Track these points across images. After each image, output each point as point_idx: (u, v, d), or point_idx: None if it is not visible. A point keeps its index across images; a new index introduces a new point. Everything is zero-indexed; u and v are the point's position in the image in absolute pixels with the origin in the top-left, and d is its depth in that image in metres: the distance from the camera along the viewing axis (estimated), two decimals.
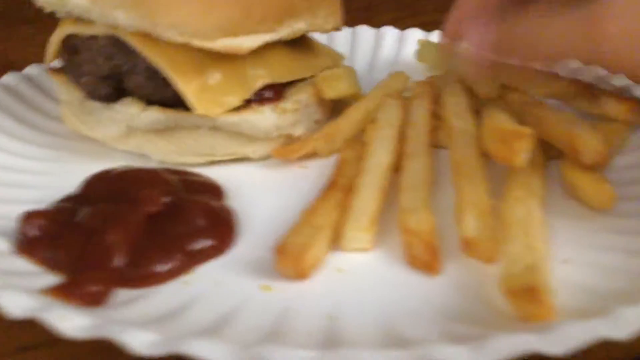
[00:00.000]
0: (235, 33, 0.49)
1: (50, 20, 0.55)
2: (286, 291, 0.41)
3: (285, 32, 0.52)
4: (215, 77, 0.52)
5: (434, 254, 0.42)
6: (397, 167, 0.50)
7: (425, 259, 0.42)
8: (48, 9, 0.53)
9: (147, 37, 0.50)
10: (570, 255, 0.42)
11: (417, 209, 0.44)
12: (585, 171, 0.45)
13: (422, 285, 0.41)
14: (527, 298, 0.35)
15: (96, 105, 0.55)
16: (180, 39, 0.48)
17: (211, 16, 0.48)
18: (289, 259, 0.41)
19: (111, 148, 0.57)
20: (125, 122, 0.54)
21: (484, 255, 0.41)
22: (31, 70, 0.67)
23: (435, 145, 0.55)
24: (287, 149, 0.56)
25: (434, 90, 0.58)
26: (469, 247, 0.41)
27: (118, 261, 0.40)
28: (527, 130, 0.44)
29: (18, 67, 0.66)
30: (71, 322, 0.33)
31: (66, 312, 0.34)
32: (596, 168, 0.46)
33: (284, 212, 0.47)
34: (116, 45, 0.52)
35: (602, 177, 0.46)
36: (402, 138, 0.53)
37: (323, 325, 0.37)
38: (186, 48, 0.51)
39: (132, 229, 0.42)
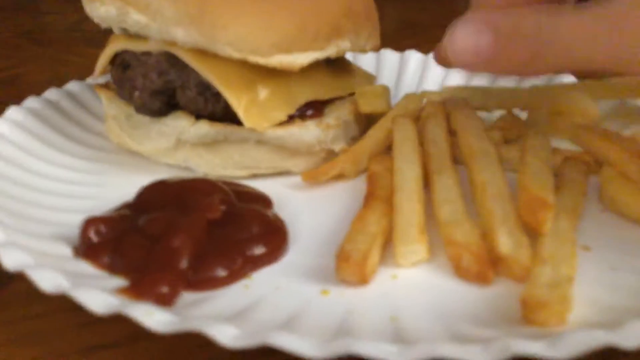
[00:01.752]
0: (289, 50, 0.51)
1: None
2: (345, 295, 0.42)
3: (332, 50, 0.55)
4: (263, 93, 0.55)
5: (485, 264, 0.43)
6: (425, 184, 0.52)
7: (476, 270, 0.43)
8: (104, 25, 0.55)
9: (201, 53, 0.52)
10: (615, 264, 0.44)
11: (459, 221, 0.46)
12: (627, 183, 0.47)
13: (474, 293, 0.42)
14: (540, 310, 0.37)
15: (145, 119, 0.57)
16: (237, 55, 0.50)
17: (268, 33, 0.50)
18: (352, 265, 0.42)
19: (154, 162, 0.58)
20: (175, 135, 0.56)
21: (517, 274, 0.42)
22: (72, 86, 0.68)
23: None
24: (315, 172, 0.57)
25: (446, 109, 0.60)
26: (502, 264, 0.43)
27: (183, 264, 0.42)
28: (549, 198, 0.45)
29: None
30: (157, 317, 0.34)
31: (151, 308, 0.35)
32: None
33: (326, 222, 0.50)
34: (169, 61, 0.54)
35: None
36: (424, 155, 0.55)
37: (388, 325, 0.38)
38: (237, 64, 0.53)
39: (194, 234, 0.43)
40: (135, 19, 0.51)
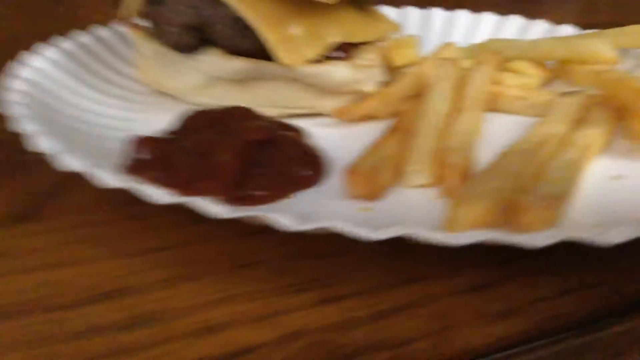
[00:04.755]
0: None
1: None
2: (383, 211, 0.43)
3: None
4: (296, 30, 0.55)
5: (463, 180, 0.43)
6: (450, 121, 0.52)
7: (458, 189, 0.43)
8: None
9: None
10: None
11: (460, 149, 0.46)
12: None
13: None
14: None
15: (177, 56, 0.57)
16: None
17: None
18: (360, 179, 0.43)
19: (183, 101, 0.59)
20: (208, 71, 0.56)
21: None
22: (99, 31, 0.69)
23: (491, 109, 0.58)
24: (345, 109, 0.59)
25: (499, 59, 0.61)
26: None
27: (229, 178, 0.42)
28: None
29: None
30: (217, 207, 0.35)
31: (209, 202, 0.36)
32: None
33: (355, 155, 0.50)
34: None
35: None
36: (458, 97, 0.55)
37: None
38: (271, 1, 0.53)
39: (239, 152, 0.44)
40: None
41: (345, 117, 0.58)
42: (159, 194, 0.37)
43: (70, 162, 0.41)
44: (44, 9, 0.98)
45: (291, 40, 0.55)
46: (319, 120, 0.58)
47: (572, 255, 0.38)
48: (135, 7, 0.60)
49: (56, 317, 0.34)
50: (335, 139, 0.55)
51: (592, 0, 1.32)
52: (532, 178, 0.41)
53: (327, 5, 0.56)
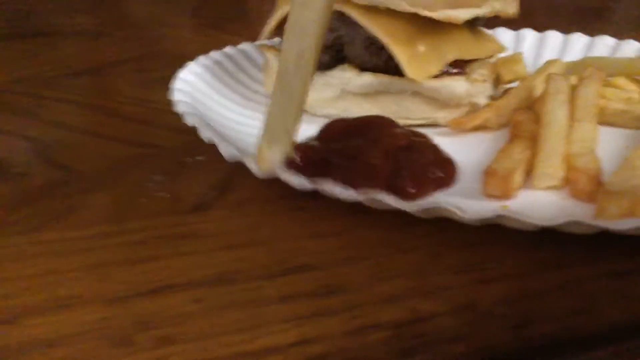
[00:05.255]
0: (455, 5, 0.58)
1: None
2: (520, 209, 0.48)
3: (487, 9, 0.62)
4: (421, 48, 0.61)
5: (598, 185, 0.47)
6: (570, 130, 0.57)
7: (589, 190, 0.48)
8: None
9: (369, 10, 0.60)
10: None
11: (585, 154, 0.51)
12: None
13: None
14: None
15: None
16: (409, 9, 0.58)
17: None
18: (498, 179, 0.49)
19: (312, 113, 0.65)
20: (340, 86, 0.63)
21: None
22: (244, 46, 0.77)
23: (599, 122, 0.63)
24: (461, 119, 0.64)
25: (603, 75, 0.66)
26: None
27: (382, 179, 0.48)
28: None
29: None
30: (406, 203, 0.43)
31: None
32: None
33: (473, 163, 0.54)
34: (339, 18, 0.61)
35: None
36: (572, 108, 0.60)
37: None
38: (401, 22, 0.60)
39: (390, 155, 0.50)
40: None
41: (460, 127, 0.64)
42: (341, 190, 0.44)
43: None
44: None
45: (418, 57, 0.61)
46: (436, 129, 0.64)
47: None
48: (271, 30, 0.67)
49: (254, 285, 0.40)
50: (452, 146, 0.61)
51: None
52: None
53: (447, 25, 0.62)
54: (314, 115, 0.65)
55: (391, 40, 0.60)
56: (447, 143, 0.61)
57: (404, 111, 0.63)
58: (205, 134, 0.52)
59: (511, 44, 0.85)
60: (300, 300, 0.39)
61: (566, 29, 0.85)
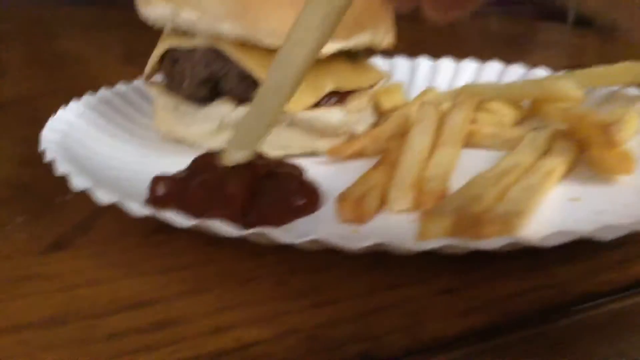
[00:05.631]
0: None
1: None
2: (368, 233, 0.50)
3: (353, 43, 0.64)
4: None
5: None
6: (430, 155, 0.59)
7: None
8: (159, 23, 0.64)
9: (242, 46, 0.62)
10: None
11: (437, 177, 0.53)
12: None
13: None
14: None
15: (191, 107, 0.65)
16: (277, 43, 0.59)
17: None
18: (349, 204, 0.50)
19: (196, 147, 0.66)
20: (219, 119, 0.64)
21: None
22: (120, 87, 0.78)
23: (469, 145, 0.65)
24: (339, 147, 0.66)
25: (476, 101, 0.69)
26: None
27: (237, 207, 0.49)
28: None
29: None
30: (229, 228, 0.44)
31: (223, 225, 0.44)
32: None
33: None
34: (214, 54, 0.63)
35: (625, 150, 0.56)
36: (437, 134, 0.63)
37: None
38: (273, 55, 0.62)
39: (245, 184, 0.51)
40: (186, 16, 0.61)
41: (338, 155, 0.65)
42: (180, 219, 0.44)
43: (103, 195, 0.49)
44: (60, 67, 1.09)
45: None
46: (316, 159, 0.66)
47: (520, 261, 0.44)
48: (154, 66, 0.69)
49: (85, 325, 0.40)
50: (330, 174, 0.63)
51: (580, 46, 1.42)
52: (495, 199, 0.48)
53: (322, 59, 0.64)
54: (199, 148, 0.66)
55: (263, 74, 0.62)
56: (326, 172, 0.63)
57: (283, 141, 0.65)
58: (76, 182, 0.51)
59: (406, 71, 0.89)
60: (129, 336, 0.39)
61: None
